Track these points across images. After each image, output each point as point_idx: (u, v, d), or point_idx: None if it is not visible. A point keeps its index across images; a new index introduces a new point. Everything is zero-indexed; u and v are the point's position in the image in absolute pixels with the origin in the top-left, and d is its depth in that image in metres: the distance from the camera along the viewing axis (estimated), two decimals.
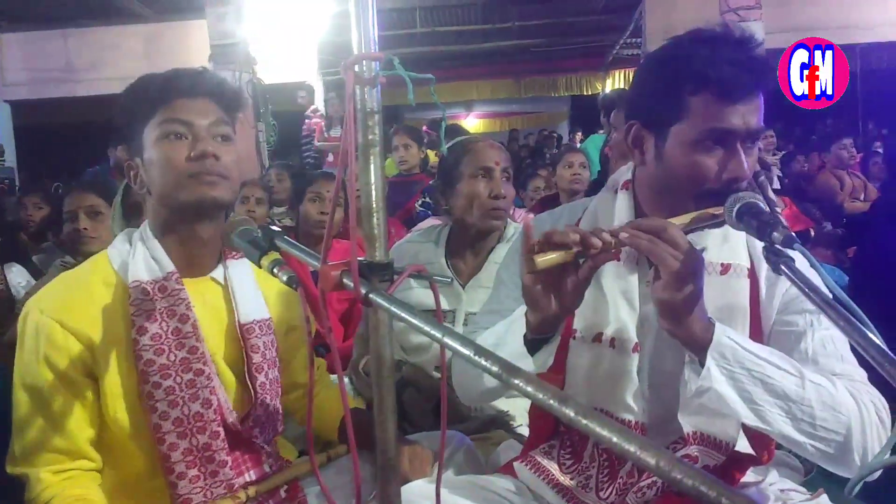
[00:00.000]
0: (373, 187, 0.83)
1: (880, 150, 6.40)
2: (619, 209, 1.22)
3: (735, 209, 1.00)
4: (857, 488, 0.81)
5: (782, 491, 1.20)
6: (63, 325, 1.20)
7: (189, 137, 1.25)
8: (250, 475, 1.33)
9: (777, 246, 0.92)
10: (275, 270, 0.93)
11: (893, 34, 6.87)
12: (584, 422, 0.50)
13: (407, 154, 4.27)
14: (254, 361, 1.33)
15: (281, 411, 1.41)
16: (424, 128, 5.02)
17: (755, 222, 0.96)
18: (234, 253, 1.36)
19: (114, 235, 2.04)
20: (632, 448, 0.47)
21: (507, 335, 1.12)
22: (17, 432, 1.22)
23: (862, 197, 5.24)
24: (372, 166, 0.83)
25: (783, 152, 6.49)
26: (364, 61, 0.82)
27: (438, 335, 0.68)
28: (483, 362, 0.62)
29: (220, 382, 1.30)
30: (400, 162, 4.31)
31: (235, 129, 1.35)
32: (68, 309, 1.21)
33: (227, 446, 1.27)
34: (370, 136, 0.83)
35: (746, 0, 5.64)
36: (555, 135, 12.45)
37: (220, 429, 1.26)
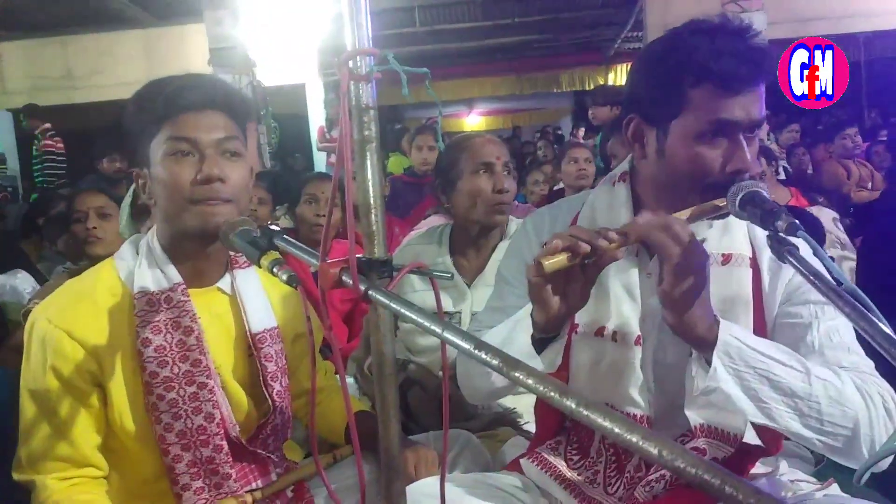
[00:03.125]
0: (370, 184, 0.83)
1: (884, 139, 6.36)
2: (617, 201, 1.21)
3: (738, 198, 0.99)
4: (865, 477, 0.80)
5: (792, 482, 1.19)
6: (70, 335, 1.19)
7: (195, 156, 1.22)
8: (257, 484, 1.33)
9: (781, 234, 0.91)
10: (274, 270, 0.92)
11: None
12: (586, 413, 0.49)
13: (431, 155, 4.15)
14: (269, 371, 1.33)
15: (291, 419, 1.41)
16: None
17: (759, 211, 0.96)
18: (241, 262, 1.36)
19: (122, 237, 2.04)
20: (634, 438, 0.46)
21: (513, 335, 1.11)
22: (24, 439, 1.22)
23: (869, 186, 5.21)
24: (368, 162, 0.82)
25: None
26: (358, 57, 0.81)
27: (438, 330, 0.67)
28: (483, 356, 0.62)
29: (225, 395, 1.29)
30: (423, 163, 4.23)
31: (246, 142, 1.30)
32: (75, 319, 1.21)
33: (230, 459, 1.26)
34: (366, 133, 0.82)
35: None
36: (557, 131, 12.42)
37: (224, 442, 1.26)
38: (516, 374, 0.58)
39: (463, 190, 1.94)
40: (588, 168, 3.72)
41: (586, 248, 0.96)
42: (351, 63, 0.80)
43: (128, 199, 2.07)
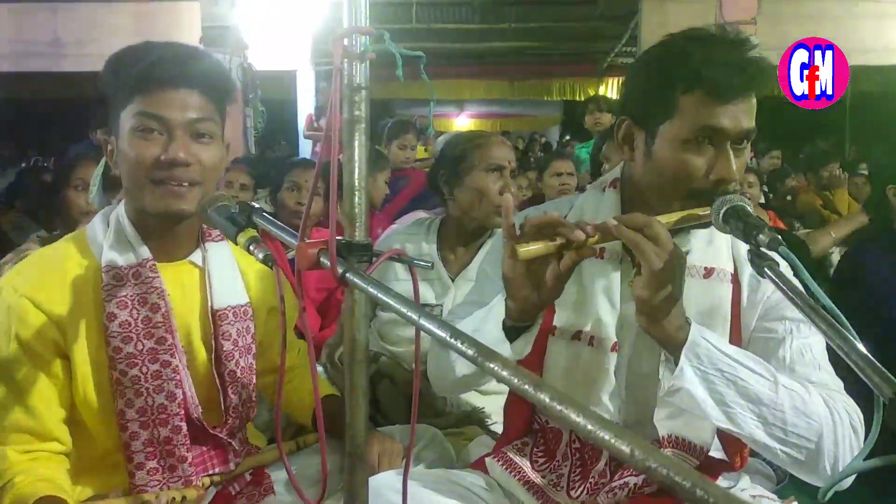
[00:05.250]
0: (356, 164, 0.82)
1: (865, 172, 6.45)
2: (606, 207, 1.21)
3: (722, 211, 0.99)
4: (829, 494, 0.80)
5: (754, 497, 1.19)
6: (36, 305, 1.16)
7: (164, 135, 1.17)
8: (214, 471, 1.31)
9: (762, 249, 0.91)
10: (251, 248, 0.90)
11: (886, 59, 6.92)
12: (559, 407, 0.48)
13: (413, 154, 4.32)
14: (224, 349, 1.29)
15: (254, 399, 1.38)
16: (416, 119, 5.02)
17: (742, 224, 0.95)
18: (213, 235, 1.33)
19: (91, 206, 2.00)
20: (607, 436, 0.45)
21: (486, 321, 1.11)
22: None
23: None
24: (356, 143, 0.81)
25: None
26: (354, 35, 0.80)
27: (414, 317, 0.66)
28: (459, 345, 0.61)
29: (189, 375, 1.26)
30: (405, 160, 4.33)
31: (224, 122, 1.27)
32: (42, 288, 1.18)
33: (188, 442, 1.24)
34: (356, 112, 0.81)
35: (741, 14, 5.65)
36: (542, 139, 12.47)
37: (183, 424, 1.23)
38: (491, 366, 0.57)
39: (470, 186, 1.93)
40: (570, 182, 3.73)
41: (554, 217, 0.97)
42: (346, 41, 0.79)
43: (99, 169, 2.04)
